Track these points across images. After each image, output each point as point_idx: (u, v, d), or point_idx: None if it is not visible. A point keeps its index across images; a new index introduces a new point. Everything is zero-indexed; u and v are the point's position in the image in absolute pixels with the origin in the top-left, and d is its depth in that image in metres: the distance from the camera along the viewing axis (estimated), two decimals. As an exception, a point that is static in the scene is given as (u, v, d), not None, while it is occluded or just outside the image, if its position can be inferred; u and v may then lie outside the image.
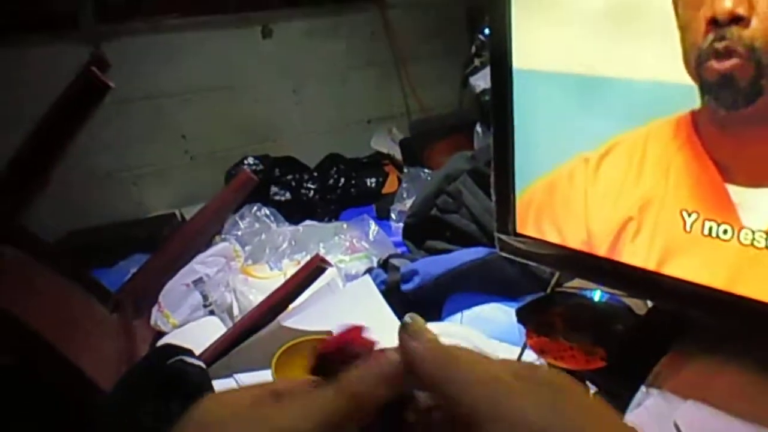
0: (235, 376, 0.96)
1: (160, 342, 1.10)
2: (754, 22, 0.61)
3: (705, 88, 0.67)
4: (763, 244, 0.65)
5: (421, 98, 2.52)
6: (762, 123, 0.65)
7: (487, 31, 0.91)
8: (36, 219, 1.31)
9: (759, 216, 0.65)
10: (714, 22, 0.64)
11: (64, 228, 1.88)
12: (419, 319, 0.30)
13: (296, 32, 2.27)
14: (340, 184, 2.01)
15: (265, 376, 0.91)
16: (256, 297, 1.17)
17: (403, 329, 0.29)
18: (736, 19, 0.62)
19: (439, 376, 0.28)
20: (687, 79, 0.68)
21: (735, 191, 0.67)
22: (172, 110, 2.11)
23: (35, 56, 1.82)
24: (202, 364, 0.83)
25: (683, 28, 0.67)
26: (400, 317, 1.13)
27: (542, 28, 0.79)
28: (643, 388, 0.71)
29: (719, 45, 0.64)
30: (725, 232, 0.67)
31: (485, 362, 0.29)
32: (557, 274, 0.92)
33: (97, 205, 2.02)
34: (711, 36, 0.64)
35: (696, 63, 0.66)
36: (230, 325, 1.14)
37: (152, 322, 1.18)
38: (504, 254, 0.89)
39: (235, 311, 1.20)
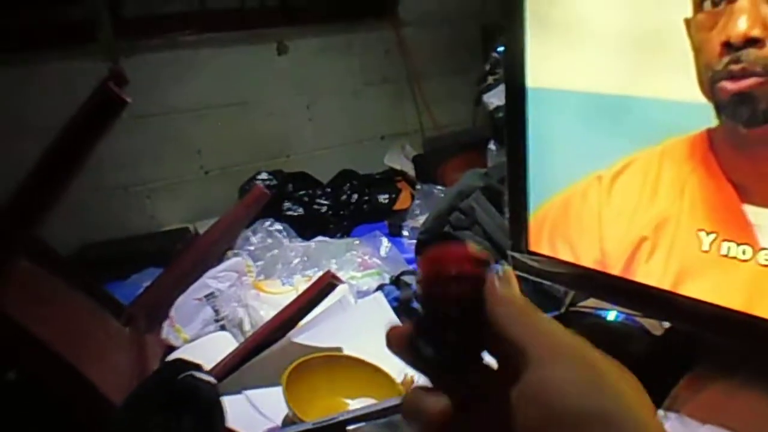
0: (245, 392, 0.95)
1: (171, 356, 1.09)
2: None
3: (720, 107, 0.66)
4: (782, 265, 0.64)
5: (435, 115, 2.53)
6: None
7: (501, 49, 0.91)
8: (51, 232, 1.32)
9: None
10: (728, 45, 0.63)
11: (79, 241, 1.90)
12: (510, 271, 0.32)
13: (311, 49, 2.29)
14: (353, 200, 2.01)
15: (276, 392, 0.91)
16: (267, 312, 1.16)
17: (497, 272, 0.31)
18: (752, 41, 0.61)
19: (505, 313, 0.28)
20: (702, 98, 0.68)
21: (753, 212, 0.66)
22: (187, 125, 2.14)
23: (54, 70, 1.85)
24: (212, 379, 0.82)
25: (696, 50, 0.67)
26: (411, 335, 1.13)
27: (557, 48, 0.79)
28: (660, 412, 0.70)
29: (735, 67, 0.63)
30: (744, 252, 0.66)
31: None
32: (571, 294, 0.91)
33: (111, 219, 2.03)
34: (726, 59, 0.63)
35: (709, 83, 0.66)
36: (241, 340, 1.14)
37: (163, 336, 1.18)
38: (517, 272, 0.88)
39: (246, 326, 1.19)
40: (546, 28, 0.78)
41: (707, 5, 0.65)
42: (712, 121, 0.67)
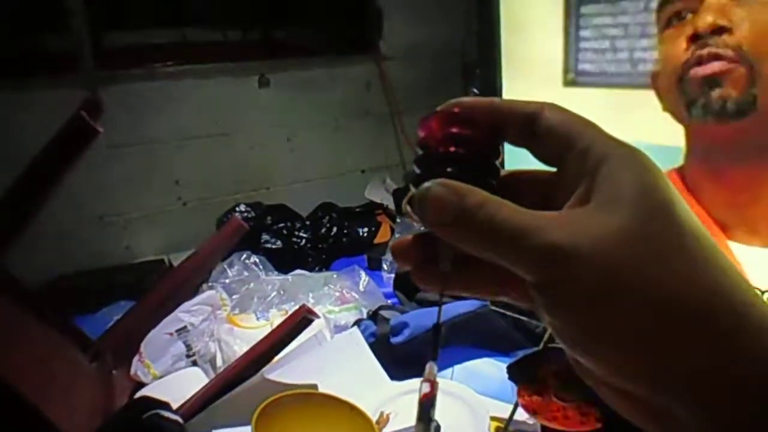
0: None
1: (139, 394, 1.05)
2: (738, 31, 0.62)
3: (691, 100, 0.66)
4: None
5: (416, 149, 2.54)
6: (753, 154, 0.64)
7: (476, 91, 0.91)
8: (25, 261, 1.29)
9: (764, 276, 0.64)
10: (695, 37, 0.64)
11: (54, 271, 1.86)
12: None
13: (292, 82, 2.30)
14: (333, 233, 1.99)
15: (247, 432, 0.87)
16: (241, 348, 1.13)
17: None
18: (719, 30, 0.63)
19: (570, 118, 0.25)
20: (667, 141, 0.68)
21: (737, 249, 0.65)
22: (166, 156, 2.12)
23: (34, 100, 1.83)
24: (178, 418, 0.79)
25: (664, 62, 0.69)
26: (388, 371, 1.10)
27: (529, 88, 0.79)
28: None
29: (704, 52, 0.64)
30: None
31: None
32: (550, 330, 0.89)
33: (87, 249, 2.00)
34: (693, 47, 0.65)
35: (678, 78, 0.66)
36: (213, 376, 1.10)
37: (132, 372, 1.14)
38: (493, 307, 0.87)
39: (219, 362, 1.16)
40: (518, 67, 0.79)
41: (674, 21, 0.67)
42: (679, 159, 0.67)
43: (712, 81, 0.63)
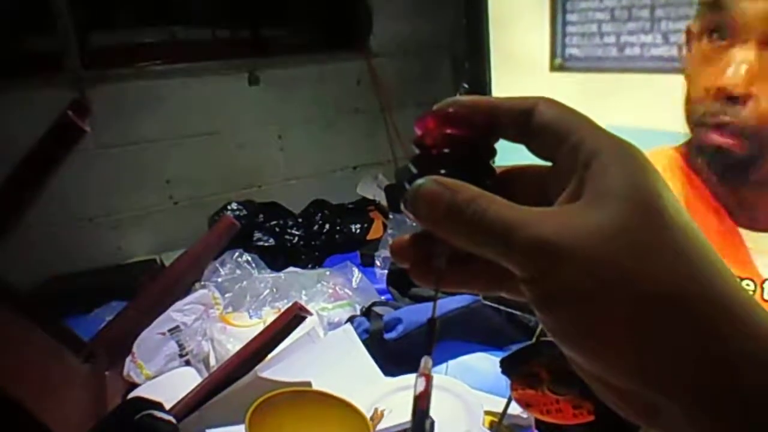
0: (208, 431, 0.91)
1: (132, 394, 1.05)
2: (749, 104, 0.60)
3: (699, 149, 0.65)
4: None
5: (407, 145, 2.54)
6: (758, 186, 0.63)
7: (466, 85, 0.91)
8: (16, 264, 1.28)
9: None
10: (717, 90, 0.62)
11: (45, 273, 1.85)
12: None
13: (282, 79, 2.29)
14: (325, 230, 1.99)
15: (241, 431, 0.87)
16: (234, 346, 1.13)
17: None
18: (733, 99, 0.60)
19: (564, 113, 0.25)
20: (655, 125, 0.67)
21: (744, 234, 0.65)
22: (156, 155, 2.11)
23: (21, 101, 1.82)
24: (171, 418, 0.79)
25: (692, 79, 0.66)
26: (382, 367, 1.10)
27: (517, 79, 0.79)
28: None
29: (714, 120, 0.62)
30: (747, 285, 0.65)
31: None
32: (542, 323, 0.89)
33: (77, 251, 1.99)
34: (710, 105, 0.62)
35: (694, 121, 0.65)
36: (207, 375, 1.10)
37: (125, 372, 1.13)
38: (486, 302, 0.87)
39: (212, 361, 1.16)
40: (509, 60, 0.79)
41: (714, 36, 0.63)
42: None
43: (722, 153, 0.62)
